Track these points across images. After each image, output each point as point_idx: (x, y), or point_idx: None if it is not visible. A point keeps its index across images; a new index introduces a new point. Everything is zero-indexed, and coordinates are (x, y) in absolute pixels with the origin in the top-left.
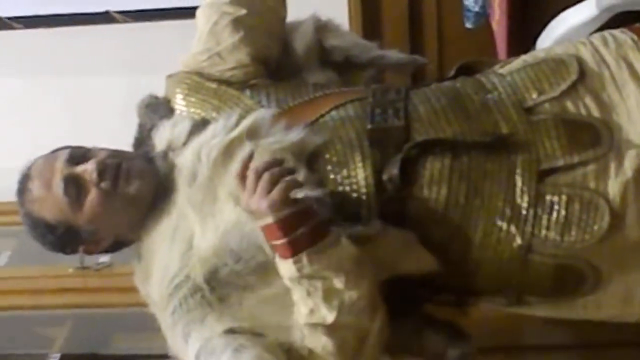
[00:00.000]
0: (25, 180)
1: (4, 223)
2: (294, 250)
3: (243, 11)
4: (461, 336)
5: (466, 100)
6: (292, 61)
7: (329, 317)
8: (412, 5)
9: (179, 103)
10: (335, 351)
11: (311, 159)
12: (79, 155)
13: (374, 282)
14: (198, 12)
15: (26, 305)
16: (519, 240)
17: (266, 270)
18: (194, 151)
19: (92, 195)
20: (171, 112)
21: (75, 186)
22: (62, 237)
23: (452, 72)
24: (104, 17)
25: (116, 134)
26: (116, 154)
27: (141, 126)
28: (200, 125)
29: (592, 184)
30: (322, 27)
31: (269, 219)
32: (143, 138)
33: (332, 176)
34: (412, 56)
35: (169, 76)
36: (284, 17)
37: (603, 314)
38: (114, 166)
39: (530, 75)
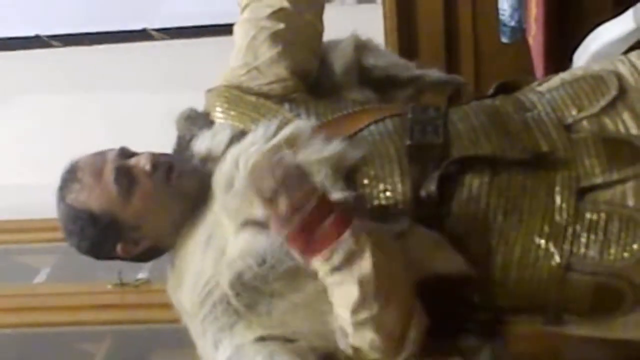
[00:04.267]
0: (71, 171)
1: (44, 240)
2: (335, 234)
3: (281, 25)
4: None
5: (505, 118)
6: (331, 79)
7: (375, 307)
8: (447, 20)
9: (219, 116)
10: (382, 345)
11: (349, 172)
12: (129, 152)
13: (408, 273)
14: (236, 27)
15: (65, 321)
16: (557, 259)
17: (295, 276)
18: (232, 159)
19: (144, 186)
20: (210, 124)
21: (126, 176)
22: (103, 231)
23: (490, 91)
24: (142, 35)
25: (154, 150)
26: (165, 154)
27: (180, 138)
28: (239, 136)
29: (631, 202)
30: (361, 46)
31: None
32: (182, 150)
33: (369, 190)
34: (452, 75)
35: (209, 90)
36: (322, 32)
37: None
38: (167, 163)
39: (569, 92)
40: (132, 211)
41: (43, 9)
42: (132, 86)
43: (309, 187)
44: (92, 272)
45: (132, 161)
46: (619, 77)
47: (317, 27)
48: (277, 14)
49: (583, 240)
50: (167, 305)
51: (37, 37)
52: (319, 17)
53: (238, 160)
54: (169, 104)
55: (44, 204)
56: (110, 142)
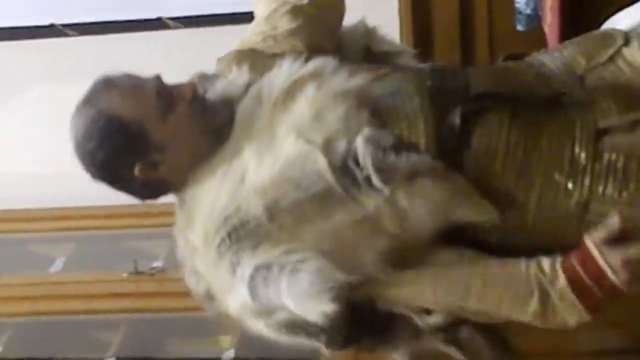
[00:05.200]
0: (107, 81)
1: (60, 229)
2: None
3: (304, 1)
4: (506, 347)
5: (522, 72)
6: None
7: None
8: (462, 8)
9: (234, 73)
10: None
11: (374, 105)
12: (167, 84)
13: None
14: (257, 2)
15: (81, 309)
16: (576, 197)
17: (325, 202)
18: (254, 93)
19: (182, 111)
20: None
21: (166, 98)
22: (129, 141)
23: (499, 61)
24: (157, 24)
25: None
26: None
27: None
28: (256, 80)
29: None
30: (370, 32)
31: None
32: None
33: (391, 125)
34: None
35: (220, 58)
36: (343, 13)
37: None
38: (203, 98)
39: (576, 48)
40: (163, 131)
41: None
42: (147, 75)
43: None
44: (107, 261)
45: (174, 86)
46: (626, 34)
47: (340, 8)
48: None
49: (602, 178)
50: (182, 294)
51: (52, 25)
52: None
53: (261, 94)
54: None
55: (59, 193)
56: None
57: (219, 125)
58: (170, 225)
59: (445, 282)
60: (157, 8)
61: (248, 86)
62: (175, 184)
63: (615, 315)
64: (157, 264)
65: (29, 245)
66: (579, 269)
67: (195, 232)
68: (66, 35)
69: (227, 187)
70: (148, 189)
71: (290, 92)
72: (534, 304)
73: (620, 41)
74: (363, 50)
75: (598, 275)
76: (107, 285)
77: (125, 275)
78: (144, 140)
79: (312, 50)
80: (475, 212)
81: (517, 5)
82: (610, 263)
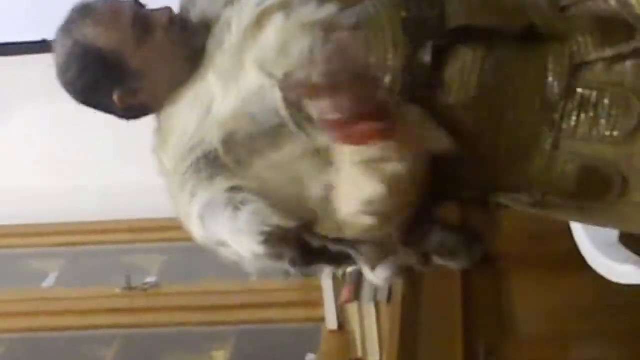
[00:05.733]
0: (84, 8)
1: (53, 244)
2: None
3: None
4: (476, 236)
5: None
6: None
7: (389, 207)
8: None
9: None
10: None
11: None
12: (142, 4)
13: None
14: None
15: (74, 325)
16: (547, 133)
17: (277, 135)
18: (224, 20)
19: (158, 37)
20: None
21: (144, 24)
22: (106, 71)
23: None
24: None
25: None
26: (182, 15)
27: (182, 8)
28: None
29: (624, 80)
30: None
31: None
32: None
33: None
34: None
35: None
36: None
37: (626, 227)
38: (183, 19)
39: None
40: (141, 58)
41: (50, 13)
42: None
43: (376, 85)
44: (100, 276)
45: (150, 12)
46: None
47: None
48: None
49: (573, 115)
50: (176, 309)
51: (44, 41)
52: None
53: (231, 22)
54: None
55: (52, 208)
56: (118, 147)
57: (197, 50)
58: (163, 240)
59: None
60: None
61: (226, 5)
62: (155, 107)
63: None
64: (150, 279)
65: (22, 260)
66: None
67: (167, 155)
68: None
69: (195, 114)
70: (130, 112)
71: (259, 21)
72: (368, 181)
73: None
74: None
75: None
76: (100, 300)
77: (118, 290)
78: (121, 70)
79: None
80: (429, 144)
81: None
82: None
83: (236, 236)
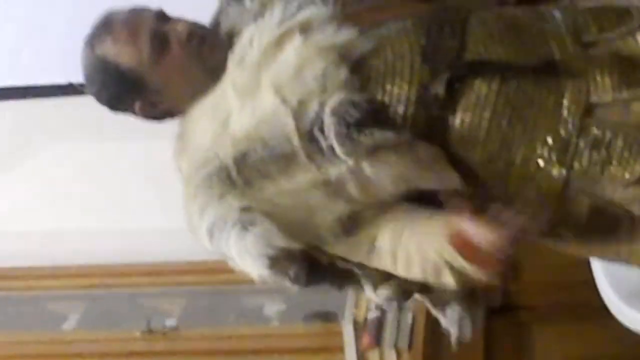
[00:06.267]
0: (106, 23)
1: (73, 286)
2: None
3: None
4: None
5: (523, 27)
6: None
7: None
8: None
9: None
10: None
11: (357, 63)
12: (166, 15)
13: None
14: None
15: None
16: (557, 171)
17: (288, 163)
18: (248, 36)
19: (176, 54)
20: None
21: (162, 41)
22: (126, 87)
23: None
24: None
25: None
26: (202, 25)
27: (218, 12)
28: (263, 14)
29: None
30: None
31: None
32: (217, 23)
33: (374, 84)
34: None
35: None
36: None
37: (635, 262)
38: (201, 33)
39: (592, 13)
40: (159, 75)
41: (76, 56)
42: (165, 131)
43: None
44: (120, 319)
45: (169, 26)
46: None
47: None
48: None
49: (585, 155)
50: (196, 353)
51: (70, 84)
52: None
53: (252, 38)
54: None
55: (73, 251)
56: (139, 191)
57: (218, 63)
58: (183, 284)
59: (378, 255)
60: None
61: (255, 19)
62: (177, 114)
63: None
64: (170, 322)
65: (42, 302)
66: (462, 246)
67: (185, 161)
68: (84, 93)
69: (212, 127)
70: (153, 119)
71: (279, 41)
72: (447, 276)
73: (636, 23)
74: None
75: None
76: (120, 344)
77: (138, 333)
78: (140, 85)
79: None
80: (438, 182)
81: None
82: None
83: (243, 256)
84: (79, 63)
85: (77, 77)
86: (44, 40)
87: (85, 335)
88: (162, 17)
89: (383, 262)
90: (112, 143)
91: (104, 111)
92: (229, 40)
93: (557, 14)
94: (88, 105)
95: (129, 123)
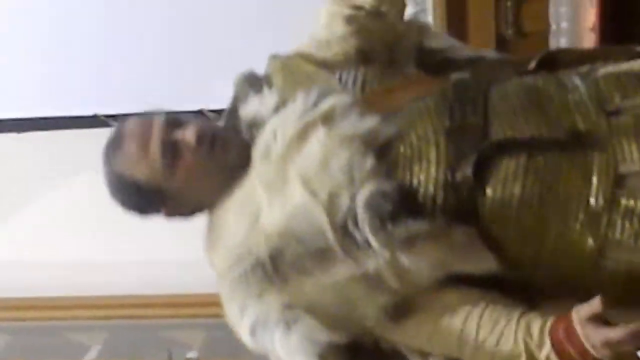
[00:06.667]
0: (117, 139)
1: (96, 317)
2: None
3: (361, 12)
4: None
5: (546, 100)
6: (390, 54)
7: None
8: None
9: (277, 82)
10: None
11: (383, 149)
12: (175, 120)
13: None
14: (320, 11)
15: None
16: (591, 243)
17: (325, 258)
18: (271, 128)
19: (189, 161)
20: (266, 87)
21: (173, 151)
22: (148, 199)
23: (533, 64)
24: (198, 116)
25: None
26: (210, 125)
27: (235, 99)
28: (284, 103)
29: None
30: (423, 29)
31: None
32: (233, 111)
33: (401, 169)
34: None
35: (274, 55)
36: (400, 33)
37: None
38: (211, 135)
39: (614, 80)
40: (176, 183)
41: (101, 88)
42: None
43: None
44: (142, 350)
45: (178, 134)
46: None
47: (397, 28)
48: (359, 7)
49: (618, 226)
50: None
51: (94, 116)
52: (400, 17)
53: (276, 131)
54: None
55: (95, 282)
56: (161, 222)
57: (233, 161)
58: (204, 316)
59: (441, 337)
60: (198, 100)
61: (275, 111)
62: (204, 210)
63: None
64: (191, 354)
65: (64, 332)
66: (565, 341)
67: (217, 257)
68: (108, 125)
69: (243, 223)
70: (182, 217)
71: (303, 134)
72: None
73: None
74: (416, 48)
75: (581, 350)
76: None
77: None
78: (160, 195)
79: (363, 55)
80: (474, 266)
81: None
82: (592, 342)
83: (289, 356)
84: (105, 95)
85: (102, 109)
86: (71, 73)
87: None
88: (171, 123)
89: (439, 347)
90: None
91: None
92: (250, 131)
93: (578, 82)
94: None
95: None
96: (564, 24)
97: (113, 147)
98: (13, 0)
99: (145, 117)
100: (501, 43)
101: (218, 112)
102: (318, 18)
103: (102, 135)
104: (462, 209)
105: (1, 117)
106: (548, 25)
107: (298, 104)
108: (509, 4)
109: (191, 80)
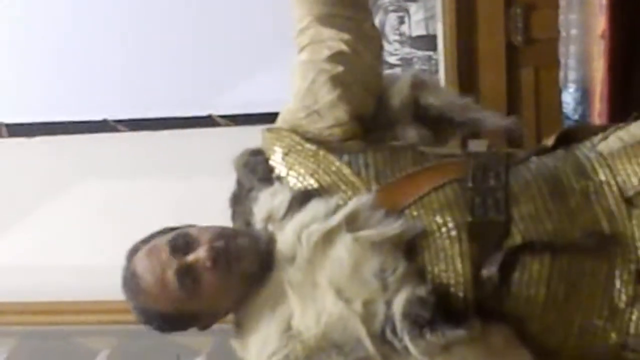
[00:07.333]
0: (133, 278)
1: (105, 322)
2: None
3: (340, 68)
4: None
5: (567, 189)
6: (386, 114)
7: None
8: (510, 112)
9: (277, 161)
10: None
11: (410, 248)
12: (181, 243)
13: None
14: (294, 69)
15: None
16: (614, 338)
17: None
18: (294, 231)
19: (208, 282)
20: (270, 172)
21: (190, 277)
22: (176, 324)
23: (551, 141)
24: (207, 121)
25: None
26: (219, 234)
27: (239, 184)
28: (299, 198)
29: None
30: (419, 84)
31: None
32: (241, 197)
33: (429, 268)
34: (509, 121)
35: (269, 130)
36: (380, 73)
37: None
38: (224, 248)
39: (630, 159)
40: (203, 304)
41: (111, 94)
42: (197, 171)
43: None
44: (150, 355)
45: (191, 259)
46: None
47: (376, 68)
48: (336, 57)
49: None
50: None
51: (104, 121)
52: (378, 57)
53: (300, 235)
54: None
55: (105, 286)
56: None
57: (251, 268)
58: None
59: None
60: (208, 105)
61: (289, 206)
62: (233, 312)
63: None
64: None
65: (74, 337)
66: None
67: (250, 356)
68: (117, 130)
69: (274, 327)
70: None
71: (328, 238)
72: None
73: None
74: (412, 102)
75: None
76: None
77: None
78: (188, 317)
79: (355, 118)
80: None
81: (564, 110)
82: None
83: None
84: (115, 100)
85: (111, 114)
86: (81, 78)
87: None
88: (179, 249)
89: None
90: (144, 180)
91: (137, 148)
92: (266, 225)
93: (596, 164)
94: (122, 142)
95: (161, 161)
96: (574, 31)
97: (131, 288)
98: (24, 5)
99: (150, 248)
100: (510, 50)
101: (226, 117)
102: (296, 73)
103: (112, 140)
104: (488, 305)
105: (11, 121)
106: (558, 32)
107: (320, 208)
108: (518, 11)
109: (200, 85)
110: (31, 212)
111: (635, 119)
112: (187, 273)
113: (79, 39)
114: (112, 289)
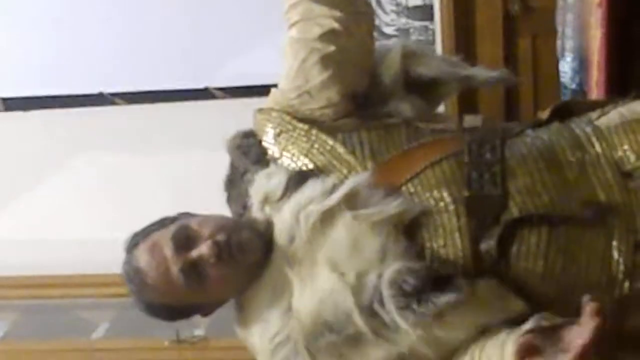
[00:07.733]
0: (137, 274)
1: (103, 295)
2: None
3: (332, 47)
4: None
5: (564, 163)
6: (379, 90)
7: None
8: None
9: (270, 142)
10: None
11: (409, 227)
12: (183, 238)
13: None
14: (286, 47)
15: None
16: (613, 307)
17: (358, 342)
18: (291, 212)
19: (214, 276)
20: (263, 154)
21: (195, 273)
22: (183, 314)
23: (547, 114)
24: (204, 94)
25: (215, 209)
26: (220, 227)
27: (233, 167)
28: (296, 179)
29: None
30: (409, 54)
31: None
32: (235, 180)
33: (428, 244)
34: (501, 74)
35: (259, 111)
36: (373, 49)
37: None
38: (226, 242)
39: (629, 135)
40: (208, 296)
41: (107, 67)
42: (194, 144)
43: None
44: (149, 328)
45: (195, 254)
46: None
47: (368, 45)
48: (328, 35)
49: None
50: None
51: (100, 94)
52: (370, 34)
53: (298, 215)
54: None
55: (104, 259)
56: (171, 200)
57: (254, 257)
58: None
59: None
60: (205, 78)
61: (286, 187)
62: (233, 297)
63: None
64: (199, 332)
65: (73, 310)
66: None
67: (253, 338)
68: (114, 103)
69: (276, 308)
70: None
71: (327, 218)
72: None
73: None
74: (403, 74)
75: None
76: (149, 352)
77: (167, 343)
78: (194, 308)
79: (347, 97)
80: (506, 314)
81: (562, 80)
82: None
83: None
84: (111, 73)
85: (108, 87)
86: (77, 51)
87: (115, 343)
88: (182, 245)
89: None
90: (141, 152)
91: (134, 121)
92: (263, 207)
93: (593, 137)
94: (119, 115)
95: (158, 134)
96: (571, 0)
97: (135, 283)
98: None
99: (151, 244)
100: (507, 19)
101: (224, 90)
102: (287, 51)
103: (109, 113)
104: (487, 274)
105: (8, 95)
106: (554, 1)
107: (317, 188)
108: None
109: (197, 58)
110: (28, 186)
111: (634, 98)
112: (192, 270)
113: (75, 12)
114: (112, 262)
